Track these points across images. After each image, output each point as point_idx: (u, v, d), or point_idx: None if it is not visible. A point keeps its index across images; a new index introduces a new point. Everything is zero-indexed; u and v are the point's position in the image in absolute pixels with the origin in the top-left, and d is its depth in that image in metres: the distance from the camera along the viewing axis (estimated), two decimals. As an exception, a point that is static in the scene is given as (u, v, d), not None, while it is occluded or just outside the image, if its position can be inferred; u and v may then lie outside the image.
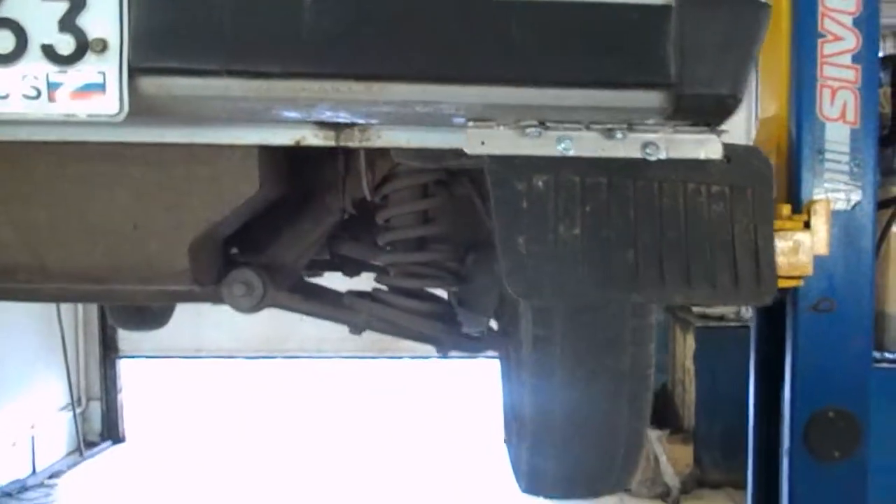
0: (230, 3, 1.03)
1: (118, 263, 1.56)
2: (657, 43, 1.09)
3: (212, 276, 1.68)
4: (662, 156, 1.21)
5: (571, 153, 1.20)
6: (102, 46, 1.00)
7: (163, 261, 1.55)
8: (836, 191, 2.90)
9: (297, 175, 1.71)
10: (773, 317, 3.11)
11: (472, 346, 2.11)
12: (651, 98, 1.11)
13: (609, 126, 1.19)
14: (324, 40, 1.04)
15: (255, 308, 1.74)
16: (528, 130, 1.17)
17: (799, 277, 2.81)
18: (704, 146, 1.23)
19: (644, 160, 1.21)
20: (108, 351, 6.89)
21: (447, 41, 1.06)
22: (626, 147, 1.21)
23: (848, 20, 2.87)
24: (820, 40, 2.88)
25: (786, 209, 2.82)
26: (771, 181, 1.28)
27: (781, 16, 2.98)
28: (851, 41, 2.87)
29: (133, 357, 6.96)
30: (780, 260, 2.78)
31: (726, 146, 1.25)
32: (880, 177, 3.08)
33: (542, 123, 1.17)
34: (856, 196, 2.94)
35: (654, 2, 1.10)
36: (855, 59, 2.88)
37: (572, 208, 1.21)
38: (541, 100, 1.11)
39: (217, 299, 1.78)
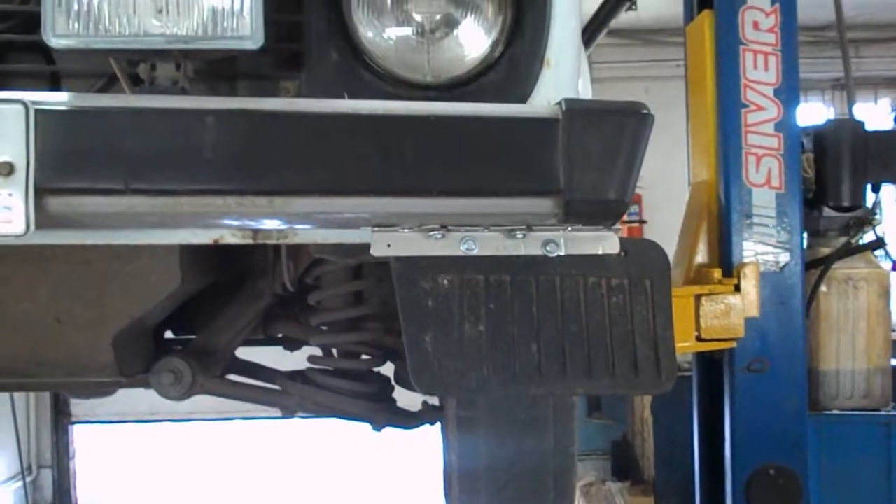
0: (133, 123, 1.07)
1: (42, 357, 1.57)
2: (546, 153, 1.15)
3: (139, 366, 1.70)
4: (562, 252, 1.27)
5: (475, 252, 1.25)
6: (9, 170, 1.04)
7: (87, 354, 1.56)
8: (765, 253, 3.02)
9: (225, 262, 1.75)
10: (713, 376, 3.19)
11: (407, 421, 2.13)
12: (542, 204, 1.17)
13: (510, 227, 1.25)
14: (225, 158, 1.09)
15: (185, 396, 1.76)
16: (432, 233, 1.23)
17: (732, 339, 2.91)
18: (602, 242, 1.29)
19: (545, 257, 1.27)
20: (61, 417, 6.76)
21: (344, 157, 1.11)
22: (527, 245, 1.26)
23: (769, 91, 3.02)
24: (743, 110, 3.02)
25: (716, 273, 2.93)
26: (668, 272, 1.35)
27: (707, 86, 3.13)
28: (773, 111, 3.02)
29: (86, 423, 6.83)
30: (713, 323, 2.88)
31: (623, 240, 1.31)
32: (808, 238, 3.21)
33: (444, 227, 1.22)
34: (784, 258, 3.06)
35: (542, 115, 1.17)
36: (777, 127, 3.03)
37: (477, 306, 1.26)
38: (438, 208, 1.16)
39: (146, 387, 1.79)
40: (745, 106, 2.99)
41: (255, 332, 2.08)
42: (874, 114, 8.66)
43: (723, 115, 3.02)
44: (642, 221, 7.97)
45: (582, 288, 1.30)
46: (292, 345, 2.44)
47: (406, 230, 1.23)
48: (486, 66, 1.35)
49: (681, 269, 3.14)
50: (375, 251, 1.24)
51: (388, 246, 1.23)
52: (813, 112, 8.44)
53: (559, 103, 1.20)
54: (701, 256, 3.09)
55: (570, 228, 1.27)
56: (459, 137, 1.14)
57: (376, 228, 1.22)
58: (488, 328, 1.26)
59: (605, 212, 1.19)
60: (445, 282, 1.26)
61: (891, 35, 8.61)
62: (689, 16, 3.30)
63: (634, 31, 7.48)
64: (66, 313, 1.54)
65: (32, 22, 1.22)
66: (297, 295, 1.95)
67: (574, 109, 1.17)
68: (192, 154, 1.08)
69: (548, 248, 1.27)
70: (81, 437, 6.78)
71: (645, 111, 1.20)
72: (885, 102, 8.83)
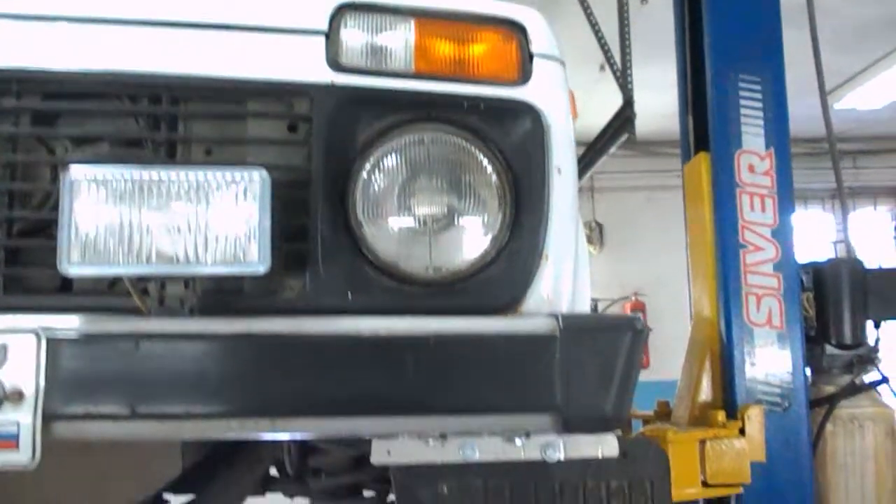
0: (140, 349, 1.10)
1: (41, 542, 1.56)
2: (543, 370, 1.18)
3: (139, 541, 1.69)
4: (561, 456, 1.28)
5: (475, 458, 1.26)
6: (19, 397, 1.06)
7: (88, 538, 1.56)
8: (768, 394, 3.01)
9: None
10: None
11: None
12: (540, 420, 1.19)
13: (509, 433, 1.26)
14: (230, 382, 1.11)
15: (182, 570, 1.74)
16: (432, 441, 1.24)
17: (738, 485, 2.86)
18: (602, 445, 1.30)
19: (544, 461, 1.28)
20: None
21: (346, 378, 1.14)
22: (526, 450, 1.27)
23: (767, 232, 3.08)
24: (742, 251, 3.07)
25: (720, 415, 2.91)
26: (667, 473, 1.35)
27: (705, 226, 3.19)
28: (771, 251, 3.07)
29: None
30: (718, 468, 2.84)
31: (623, 441, 1.32)
32: (812, 376, 3.20)
33: (443, 435, 1.24)
34: (788, 398, 3.05)
35: (540, 331, 1.20)
36: (776, 267, 3.07)
37: (476, 513, 1.26)
38: (437, 425, 1.18)
39: (145, 560, 1.78)
40: (744, 246, 3.04)
41: (254, 492, 2.07)
42: (873, 221, 8.77)
43: (722, 255, 3.06)
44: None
45: (581, 492, 1.30)
46: (292, 492, 2.42)
47: (406, 438, 1.25)
48: (487, 261, 1.39)
49: (685, 406, 3.13)
50: (375, 459, 1.25)
51: (388, 453, 1.25)
52: (812, 220, 8.54)
53: (556, 318, 1.23)
54: (704, 394, 3.08)
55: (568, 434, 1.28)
56: (458, 357, 1.17)
57: (376, 438, 1.24)
58: (488, 537, 1.26)
59: (603, 426, 1.21)
60: (445, 489, 1.27)
61: (887, 146, 8.80)
62: (686, 155, 3.39)
63: (636, 143, 7.66)
64: (65, 497, 1.54)
65: (45, 225, 1.28)
66: (298, 457, 1.95)
67: (571, 327, 1.20)
68: (198, 378, 1.11)
69: (547, 453, 1.28)
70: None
71: (640, 325, 1.23)
72: (883, 210, 8.95)
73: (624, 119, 4.14)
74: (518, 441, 1.26)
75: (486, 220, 1.39)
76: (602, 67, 5.71)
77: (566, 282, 1.42)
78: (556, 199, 1.43)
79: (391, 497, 2.03)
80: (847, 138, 7.16)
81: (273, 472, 2.34)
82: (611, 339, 1.20)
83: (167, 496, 2.03)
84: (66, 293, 1.29)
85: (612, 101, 4.23)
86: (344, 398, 1.14)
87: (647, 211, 8.09)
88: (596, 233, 8.14)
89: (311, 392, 1.13)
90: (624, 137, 4.20)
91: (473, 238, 1.39)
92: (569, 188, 1.45)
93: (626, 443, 1.33)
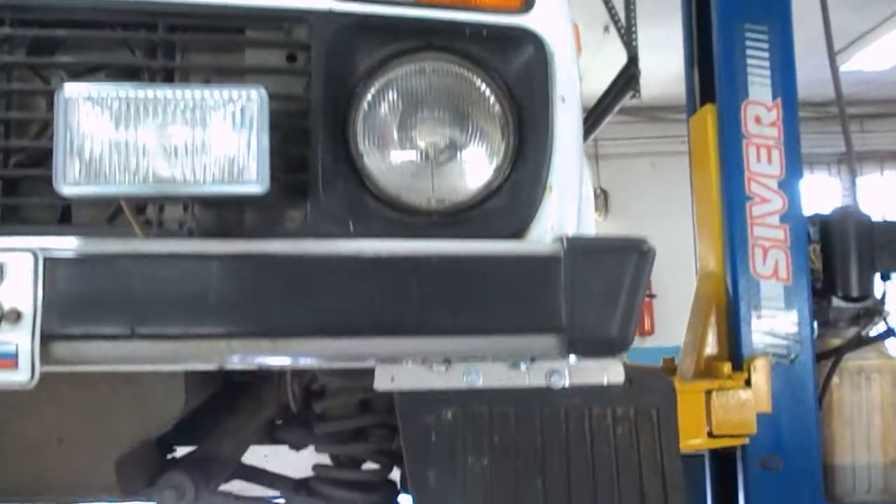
0: (139, 268, 1.09)
1: (44, 478, 1.56)
2: (548, 291, 1.16)
3: (141, 483, 1.69)
4: (566, 383, 1.26)
5: (479, 384, 1.25)
6: (16, 317, 1.05)
7: (89, 475, 1.56)
8: (775, 346, 2.99)
9: (230, 374, 1.75)
10: (726, 471, 3.13)
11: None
12: (545, 341, 1.18)
13: (514, 358, 1.25)
14: (230, 302, 1.10)
15: (188, 510, 1.74)
16: (436, 367, 1.23)
17: (744, 435, 2.86)
18: (607, 371, 1.28)
19: (549, 388, 1.26)
20: None
21: (348, 299, 1.12)
22: (531, 376, 1.26)
23: (773, 183, 3.04)
24: (748, 203, 3.04)
25: (726, 367, 2.90)
26: (674, 401, 1.34)
27: (711, 179, 3.15)
28: (778, 203, 3.03)
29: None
30: (724, 418, 2.83)
31: (629, 369, 1.31)
32: (818, 328, 3.18)
33: (447, 360, 1.22)
34: (795, 350, 3.03)
35: (544, 253, 1.18)
36: (783, 219, 3.04)
37: (480, 439, 1.25)
38: (442, 347, 1.17)
39: (148, 501, 1.78)
40: (750, 198, 3.01)
41: (259, 439, 2.07)
42: (880, 186, 8.71)
43: (728, 207, 3.03)
44: (651, 296, 7.94)
45: (587, 419, 1.29)
46: (298, 446, 2.42)
47: (410, 364, 1.23)
48: (490, 192, 1.37)
49: (691, 360, 3.11)
50: (379, 385, 1.24)
51: (392, 379, 1.24)
52: (819, 186, 8.49)
53: (561, 240, 1.21)
54: (710, 347, 3.07)
55: (574, 359, 1.27)
56: (462, 277, 1.15)
57: (380, 363, 1.22)
58: (492, 463, 1.25)
59: (607, 348, 1.19)
60: (449, 415, 1.26)
61: (895, 110, 8.70)
62: (691, 108, 3.35)
63: (640, 108, 7.61)
64: (68, 434, 1.54)
65: (42, 155, 1.26)
66: (303, 402, 1.94)
67: (576, 247, 1.18)
68: (198, 299, 1.09)
69: (552, 379, 1.27)
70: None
71: (646, 247, 1.21)
72: (890, 175, 8.88)
73: (629, 76, 4.09)
74: (523, 367, 1.25)
75: (488, 150, 1.37)
76: (606, 29, 5.63)
77: (571, 213, 1.40)
78: (560, 129, 1.41)
79: (396, 444, 2.02)
80: (854, 101, 7.07)
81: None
82: (616, 260, 1.18)
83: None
84: (64, 225, 1.28)
85: (617, 64, 4.18)
86: (346, 319, 1.13)
87: (651, 177, 8.05)
88: (600, 199, 8.10)
89: (312, 313, 1.12)
90: (629, 95, 4.15)
91: (476, 169, 1.37)
92: (573, 118, 1.43)
93: (632, 370, 1.32)
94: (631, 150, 8.09)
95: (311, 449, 2.10)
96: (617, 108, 4.37)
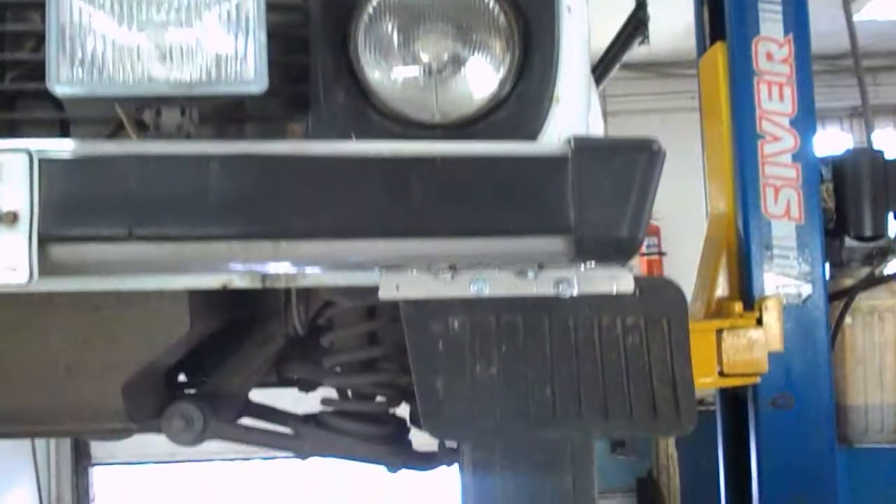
0: (137, 169, 1.07)
1: (51, 405, 1.56)
2: (555, 191, 1.13)
3: (150, 411, 1.68)
4: (575, 292, 1.24)
5: (485, 293, 1.23)
6: (13, 218, 1.03)
7: (96, 401, 1.55)
8: (786, 286, 2.96)
9: (236, 305, 1.73)
10: (737, 411, 3.12)
11: (423, 463, 2.09)
12: (553, 243, 1.15)
13: (521, 266, 1.22)
14: (230, 203, 1.07)
15: (196, 442, 1.73)
16: (441, 274, 1.20)
17: (755, 374, 2.84)
18: (616, 280, 1.26)
19: (557, 297, 1.24)
20: (81, 458, 6.75)
21: (351, 200, 1.10)
22: (538, 285, 1.24)
23: (785, 121, 2.99)
24: (760, 141, 2.99)
25: (737, 306, 2.88)
26: (685, 311, 1.31)
27: (722, 118, 3.10)
28: (790, 141, 2.99)
29: (107, 465, 6.81)
30: (735, 357, 2.82)
31: (638, 279, 1.28)
32: (830, 269, 3.15)
33: (453, 267, 1.20)
34: (806, 290, 3.00)
35: (551, 153, 1.15)
36: (795, 158, 2.99)
37: (488, 348, 1.23)
38: (447, 249, 1.14)
39: (157, 431, 1.77)
40: (761, 137, 2.96)
41: (268, 374, 2.06)
42: (893, 140, 8.59)
43: (739, 146, 2.99)
44: (661, 254, 7.90)
45: (596, 328, 1.27)
46: (307, 386, 2.41)
47: (415, 272, 1.21)
48: (495, 105, 1.34)
49: (701, 302, 3.09)
50: (384, 293, 1.22)
51: (397, 288, 1.22)
52: (831, 140, 8.39)
53: (568, 141, 1.18)
54: (721, 289, 3.04)
55: (582, 267, 1.24)
56: (467, 177, 1.12)
57: (385, 270, 1.20)
58: (501, 370, 1.23)
59: (617, 250, 1.17)
60: (456, 324, 1.24)
61: (908, 62, 8.53)
62: (701, 48, 3.28)
63: (649, 64, 7.49)
64: (74, 360, 1.53)
65: (41, 69, 1.23)
66: (310, 336, 1.93)
67: (583, 147, 1.15)
68: (197, 199, 1.07)
69: (560, 288, 1.25)
70: (102, 478, 6.75)
71: (656, 147, 1.18)
72: (904, 129, 8.76)
73: (637, 22, 4.03)
74: (530, 274, 1.23)
75: (493, 61, 1.34)
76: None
77: (578, 125, 1.37)
78: (566, 40, 1.37)
79: (404, 379, 2.01)
80: (867, 53, 6.94)
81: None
82: (625, 160, 1.15)
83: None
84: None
85: (625, 15, 4.10)
86: (349, 219, 1.10)
87: (661, 134, 7.86)
88: (609, 157, 8.02)
89: (314, 213, 1.10)
90: (637, 42, 4.09)
91: (481, 80, 1.33)
92: (580, 29, 1.39)
93: (642, 280, 1.29)
94: (640, 107, 7.99)
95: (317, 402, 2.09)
96: (625, 56, 4.30)
